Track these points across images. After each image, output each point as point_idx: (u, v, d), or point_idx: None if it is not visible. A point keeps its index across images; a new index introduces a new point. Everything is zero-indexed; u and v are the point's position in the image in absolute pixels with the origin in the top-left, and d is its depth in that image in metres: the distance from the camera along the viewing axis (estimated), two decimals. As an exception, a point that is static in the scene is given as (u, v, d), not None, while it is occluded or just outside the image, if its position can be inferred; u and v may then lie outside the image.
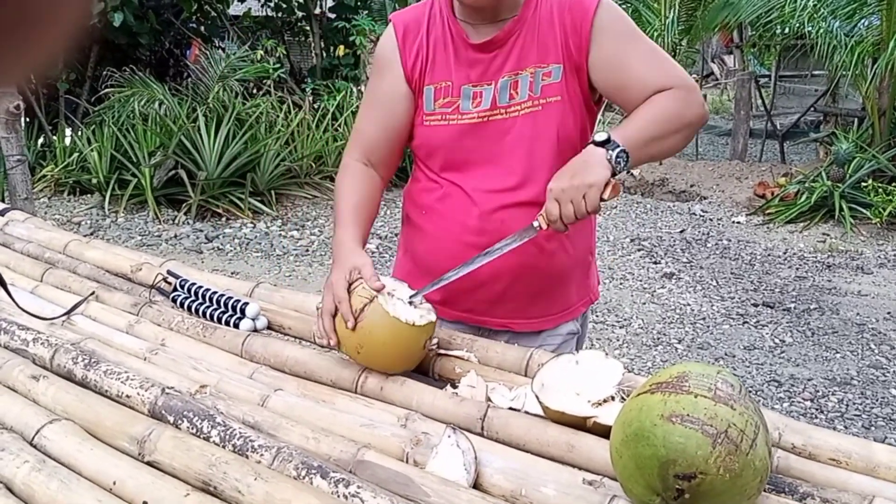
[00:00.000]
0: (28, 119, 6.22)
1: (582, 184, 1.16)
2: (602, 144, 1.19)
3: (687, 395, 0.79)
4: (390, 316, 1.14)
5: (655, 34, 8.11)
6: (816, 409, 3.04)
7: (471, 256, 1.27)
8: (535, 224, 1.22)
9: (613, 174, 1.17)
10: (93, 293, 1.54)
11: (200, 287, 1.50)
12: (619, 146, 1.18)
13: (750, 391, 3.25)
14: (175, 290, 1.54)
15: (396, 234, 5.25)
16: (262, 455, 0.92)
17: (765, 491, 0.85)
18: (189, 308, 1.47)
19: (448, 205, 1.36)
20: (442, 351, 1.27)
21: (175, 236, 4.93)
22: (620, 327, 3.78)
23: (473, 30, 1.32)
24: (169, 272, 1.61)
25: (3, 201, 4.09)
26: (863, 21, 6.64)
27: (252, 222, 5.34)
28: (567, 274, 1.41)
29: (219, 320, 1.41)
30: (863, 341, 3.69)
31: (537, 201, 1.27)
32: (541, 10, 1.30)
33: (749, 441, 0.78)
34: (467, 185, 1.34)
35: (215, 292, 1.47)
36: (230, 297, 1.44)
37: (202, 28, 7.80)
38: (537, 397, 1.03)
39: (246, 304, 1.41)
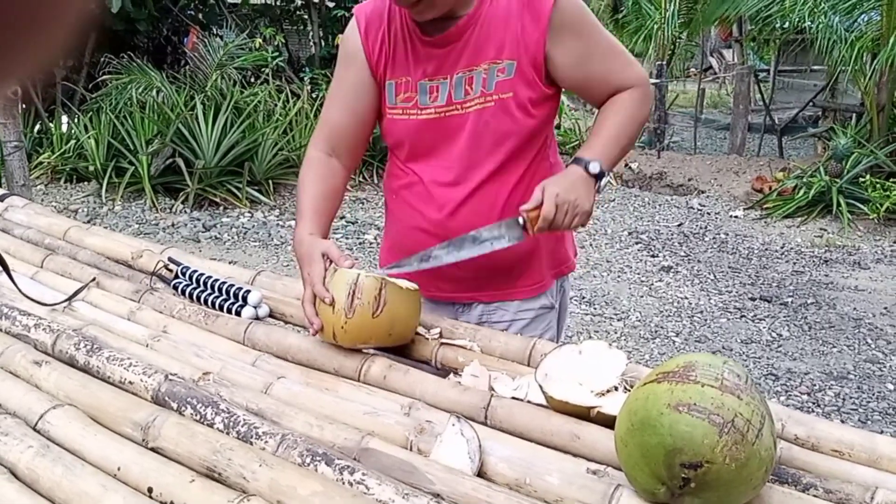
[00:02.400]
0: (24, 105, 6.18)
1: (581, 209, 1.25)
2: (594, 174, 1.27)
3: (694, 385, 0.79)
4: (404, 289, 1.18)
5: (655, 27, 8.11)
6: (813, 403, 3.05)
7: (430, 243, 1.31)
8: (521, 221, 1.25)
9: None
10: (94, 279, 1.54)
11: (202, 275, 1.50)
12: (598, 166, 1.27)
13: (746, 384, 3.26)
14: (176, 277, 1.54)
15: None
16: (266, 442, 0.92)
17: (768, 482, 0.85)
18: (191, 295, 1.47)
19: (413, 192, 1.42)
20: (445, 340, 1.27)
21: (172, 225, 4.92)
22: (618, 320, 3.78)
23: (429, 25, 1.32)
24: (170, 259, 1.61)
25: (0, 187, 4.07)
26: (863, 16, 6.64)
27: (250, 211, 5.33)
28: (534, 251, 1.44)
29: (220, 308, 1.41)
30: (859, 336, 3.70)
31: (487, 193, 1.35)
32: (496, 4, 1.30)
33: (755, 431, 0.78)
34: (426, 177, 1.39)
35: (217, 280, 1.47)
36: (232, 285, 1.44)
37: (200, 15, 7.76)
38: (541, 387, 1.03)
39: (248, 291, 1.41)
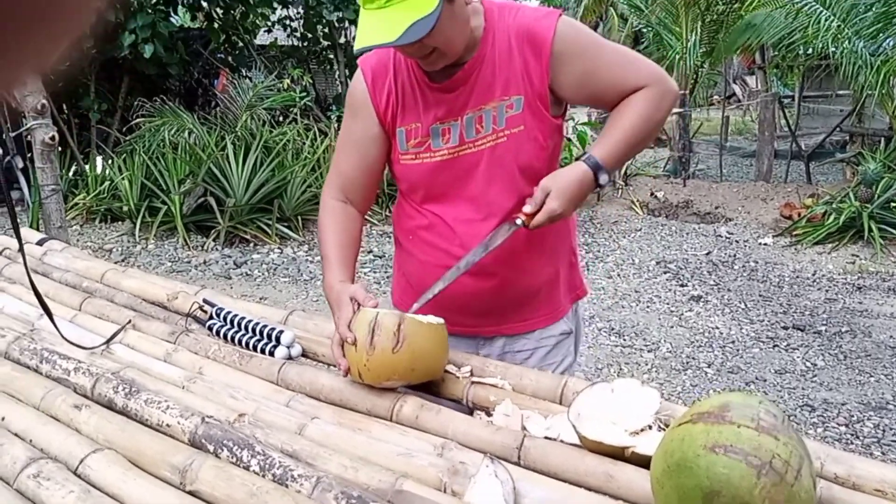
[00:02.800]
0: (61, 148, 6.38)
1: (577, 203, 1.30)
2: (595, 171, 1.29)
3: (730, 426, 0.79)
4: (425, 323, 1.19)
5: (677, 57, 8.13)
6: (852, 435, 2.98)
7: (455, 279, 1.35)
8: (519, 221, 1.29)
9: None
10: (130, 322, 1.57)
11: (236, 315, 1.52)
12: (607, 176, 1.30)
13: (783, 416, 3.20)
14: (211, 318, 1.56)
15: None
16: (301, 484, 0.93)
17: (809, 523, 0.84)
18: (225, 336, 1.49)
19: (433, 233, 1.44)
20: (475, 379, 1.28)
21: (204, 262, 4.99)
22: (649, 351, 3.74)
23: (436, 72, 1.35)
24: (205, 300, 1.63)
25: (38, 230, 4.19)
26: (888, 41, 6.60)
27: (279, 248, 5.40)
28: (551, 281, 1.48)
29: (254, 348, 1.43)
30: (897, 365, 3.61)
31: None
32: (498, 44, 1.33)
33: (794, 472, 0.77)
34: (447, 216, 1.41)
35: (250, 320, 1.49)
36: (265, 325, 1.46)
37: (230, 58, 7.96)
38: (574, 427, 1.03)
39: (281, 331, 1.43)
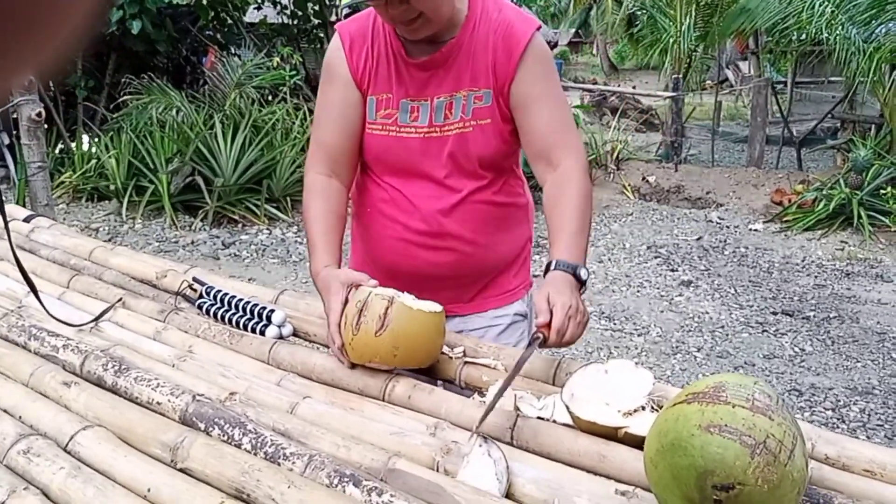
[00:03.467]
0: (47, 126, 6.29)
1: (584, 316, 1.23)
2: (583, 280, 1.27)
3: (724, 406, 0.78)
4: (415, 309, 1.16)
5: (671, 41, 8.11)
6: (838, 419, 3.01)
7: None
8: (540, 336, 1.20)
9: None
10: (120, 300, 1.56)
11: (226, 294, 1.51)
12: (585, 271, 1.28)
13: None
14: (201, 297, 1.55)
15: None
16: (294, 463, 0.93)
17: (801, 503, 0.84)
18: (215, 315, 1.48)
19: (392, 206, 1.45)
20: (468, 359, 1.27)
21: (192, 242, 4.96)
22: (639, 335, 3.76)
23: (413, 46, 1.36)
24: (194, 279, 1.62)
25: (24, 207, 4.14)
26: (881, 27, 6.60)
27: (268, 228, 5.37)
28: (503, 264, 1.51)
29: (245, 327, 1.42)
30: (883, 350, 3.65)
31: (471, 204, 1.41)
32: (478, 33, 1.34)
33: (787, 452, 0.77)
34: (407, 191, 1.43)
35: (241, 299, 1.48)
36: (256, 304, 1.45)
37: (218, 35, 7.87)
38: (567, 407, 1.03)
39: (272, 311, 1.41)
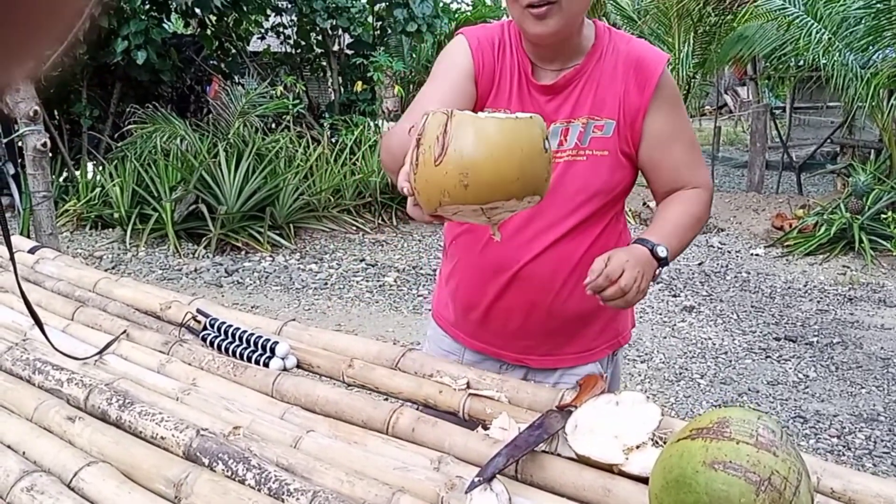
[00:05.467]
0: (52, 154, 6.35)
1: (641, 284, 1.17)
2: (661, 257, 1.20)
3: (729, 442, 0.79)
4: (483, 118, 0.83)
5: (670, 68, 8.19)
6: (843, 447, 2.99)
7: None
8: (570, 411, 1.09)
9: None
10: (124, 332, 1.56)
11: (230, 326, 1.51)
12: (666, 264, 1.23)
13: (775, 427, 3.20)
14: (205, 328, 1.55)
15: (414, 268, 5.27)
16: (297, 499, 0.92)
17: (807, 538, 0.84)
18: (219, 347, 1.48)
19: (473, 235, 1.37)
20: (472, 391, 1.27)
21: (195, 270, 4.97)
22: (642, 362, 3.75)
23: (539, 70, 1.30)
24: (198, 311, 1.63)
25: (28, 237, 4.16)
26: (878, 53, 6.66)
27: (271, 255, 5.38)
28: (585, 317, 1.38)
29: (248, 359, 1.42)
30: (888, 376, 3.63)
31: (561, 249, 1.31)
32: (605, 61, 1.28)
33: (792, 488, 0.77)
34: (505, 229, 1.32)
35: (245, 331, 1.48)
36: (260, 336, 1.45)
37: (222, 65, 7.95)
38: (566, 439, 1.03)
39: (276, 343, 1.42)
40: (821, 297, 4.88)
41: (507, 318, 1.38)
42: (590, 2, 1.27)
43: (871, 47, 6.62)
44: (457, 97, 1.25)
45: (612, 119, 1.28)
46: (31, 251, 2.16)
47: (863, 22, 6.53)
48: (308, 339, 1.54)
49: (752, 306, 4.68)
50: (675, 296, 4.86)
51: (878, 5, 6.33)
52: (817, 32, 6.46)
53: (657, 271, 1.21)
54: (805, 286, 5.13)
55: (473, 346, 1.43)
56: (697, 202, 1.30)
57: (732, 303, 4.73)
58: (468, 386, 1.29)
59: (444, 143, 0.82)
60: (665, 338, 4.10)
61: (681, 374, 3.63)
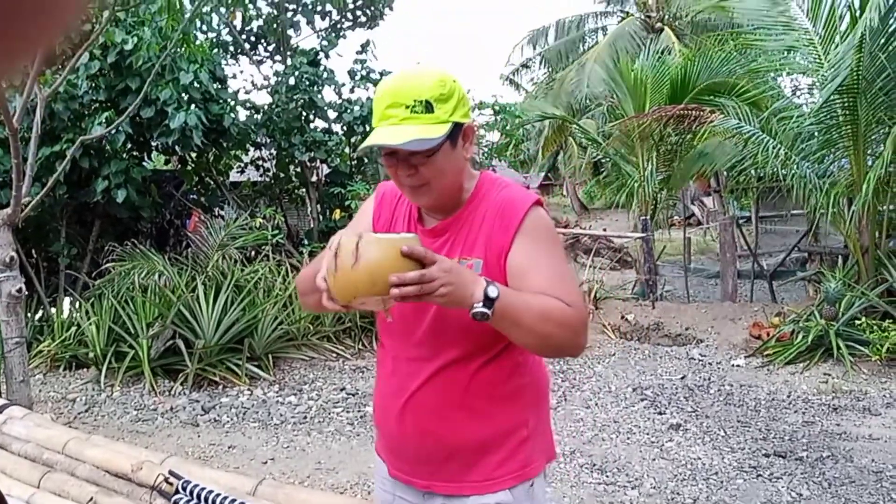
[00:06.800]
0: (28, 293, 6.32)
1: (458, 291, 1.22)
2: (491, 296, 1.23)
3: None
4: (383, 239, 1.22)
5: (636, 185, 8.49)
6: (846, 571, 2.88)
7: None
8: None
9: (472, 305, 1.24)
10: (91, 500, 1.51)
11: (203, 489, 1.47)
12: (493, 302, 1.23)
13: (773, 553, 3.09)
14: (177, 491, 1.51)
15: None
16: None
17: None
18: (191, 514, 1.43)
19: (382, 365, 1.53)
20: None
21: (171, 409, 4.85)
22: (633, 488, 3.65)
23: (426, 217, 1.50)
24: (171, 472, 1.58)
25: (-1, 385, 4.06)
26: (834, 164, 6.97)
27: (249, 389, 5.28)
28: (480, 447, 1.43)
29: (222, 527, 1.37)
30: (882, 491, 3.56)
31: (443, 374, 1.41)
32: (478, 210, 1.43)
33: None
34: (394, 350, 1.49)
35: (218, 494, 1.44)
36: (233, 501, 1.41)
37: (202, 199, 8.10)
38: None
39: (250, 508, 1.37)
40: (805, 408, 4.85)
41: (406, 444, 1.47)
42: (461, 173, 1.43)
43: (825, 160, 6.93)
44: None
45: (479, 258, 1.40)
46: (0, 410, 2.11)
47: (815, 137, 6.87)
48: (284, 498, 1.50)
49: (738, 421, 4.63)
50: (660, 413, 4.81)
51: (829, 121, 6.69)
52: (774, 147, 6.77)
53: (475, 305, 1.23)
54: (789, 397, 5.11)
55: (392, 472, 1.53)
56: (557, 304, 1.30)
57: (718, 418, 4.68)
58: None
59: (357, 256, 1.18)
60: (654, 459, 4.02)
61: (673, 499, 3.53)
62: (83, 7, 0.28)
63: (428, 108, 1.31)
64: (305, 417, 4.77)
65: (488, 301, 1.22)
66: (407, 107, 1.31)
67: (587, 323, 1.37)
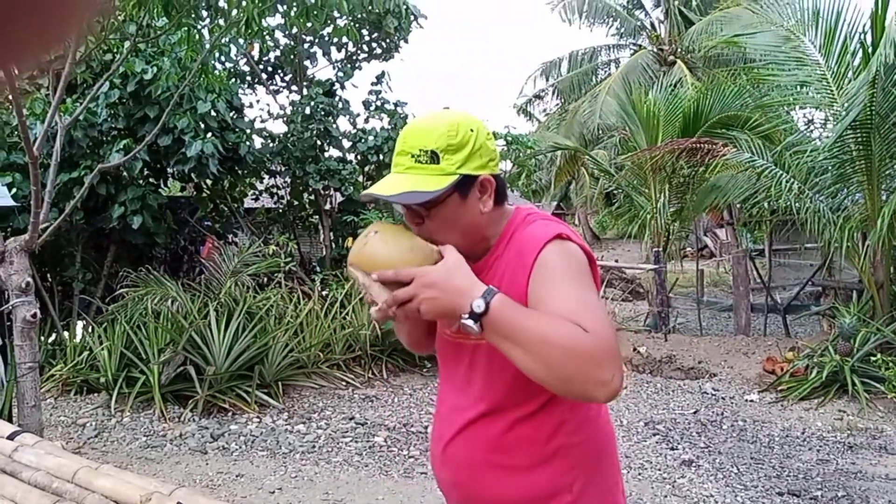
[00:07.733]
0: (41, 316, 6.37)
1: (439, 294, 1.18)
2: (477, 311, 1.15)
3: None
4: (392, 242, 1.25)
5: (648, 216, 8.49)
6: None
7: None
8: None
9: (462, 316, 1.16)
10: (100, 531, 1.51)
11: (210, 523, 1.47)
12: (486, 306, 1.15)
13: None
14: (184, 525, 1.50)
15: (405, 426, 5.15)
16: None
17: None
18: (198, 548, 1.43)
19: (435, 414, 1.50)
20: None
21: (180, 435, 4.84)
22: (643, 525, 3.60)
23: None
24: (179, 505, 1.58)
25: (10, 413, 4.08)
26: (847, 198, 6.95)
27: (258, 416, 5.27)
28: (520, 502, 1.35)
29: (229, 562, 1.37)
30: (900, 533, 3.49)
31: (473, 428, 1.36)
32: (504, 253, 1.35)
33: None
34: (445, 395, 1.47)
35: (226, 529, 1.44)
36: (241, 535, 1.41)
37: (217, 225, 8.18)
38: None
39: (257, 543, 1.37)
40: (820, 446, 4.78)
41: (446, 489, 1.46)
42: (478, 225, 1.34)
43: (839, 193, 6.91)
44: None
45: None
46: (11, 437, 2.12)
47: (829, 171, 6.86)
48: (291, 533, 1.49)
49: (751, 458, 4.56)
50: (672, 448, 4.75)
51: (843, 156, 6.68)
52: (787, 181, 6.76)
53: (462, 317, 1.16)
54: (803, 433, 5.03)
55: None
56: (571, 328, 1.12)
57: (731, 454, 4.62)
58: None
59: (367, 240, 1.27)
60: (666, 497, 3.96)
61: (684, 537, 3.48)
62: (84, 15, 0.28)
63: (433, 158, 1.26)
64: (314, 447, 4.75)
65: (475, 315, 1.14)
66: (412, 156, 1.27)
67: (613, 356, 1.11)
